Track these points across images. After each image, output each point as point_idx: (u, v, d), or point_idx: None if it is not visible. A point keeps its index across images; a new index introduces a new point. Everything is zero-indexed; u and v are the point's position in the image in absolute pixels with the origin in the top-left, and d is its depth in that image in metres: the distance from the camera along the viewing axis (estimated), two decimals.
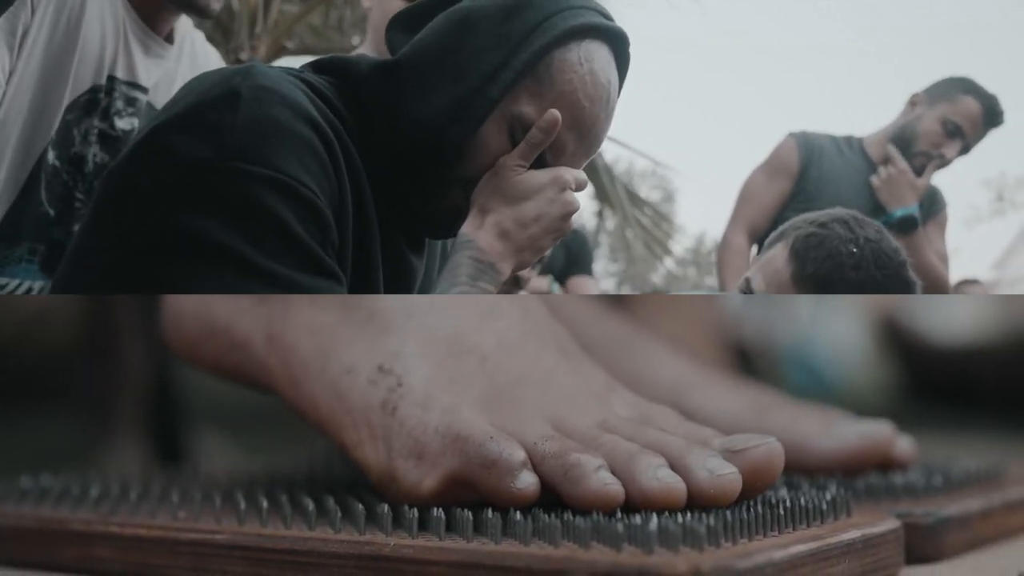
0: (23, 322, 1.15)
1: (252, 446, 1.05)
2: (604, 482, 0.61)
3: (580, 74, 0.76)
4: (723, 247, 1.91)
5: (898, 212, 1.72)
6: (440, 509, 0.62)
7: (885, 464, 0.77)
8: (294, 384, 0.71)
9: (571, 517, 0.59)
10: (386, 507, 0.64)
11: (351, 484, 0.77)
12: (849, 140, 1.86)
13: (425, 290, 0.86)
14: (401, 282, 0.83)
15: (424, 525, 0.63)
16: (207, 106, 0.70)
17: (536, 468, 0.63)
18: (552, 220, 0.78)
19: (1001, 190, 18.68)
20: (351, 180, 0.74)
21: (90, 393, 1.05)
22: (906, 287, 1.03)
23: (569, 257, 2.46)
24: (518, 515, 0.60)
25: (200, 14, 1.22)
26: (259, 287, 0.68)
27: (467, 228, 0.78)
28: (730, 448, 0.64)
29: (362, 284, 0.77)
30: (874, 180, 1.77)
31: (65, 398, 1.11)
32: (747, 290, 1.09)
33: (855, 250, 1.01)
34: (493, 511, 0.62)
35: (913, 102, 1.81)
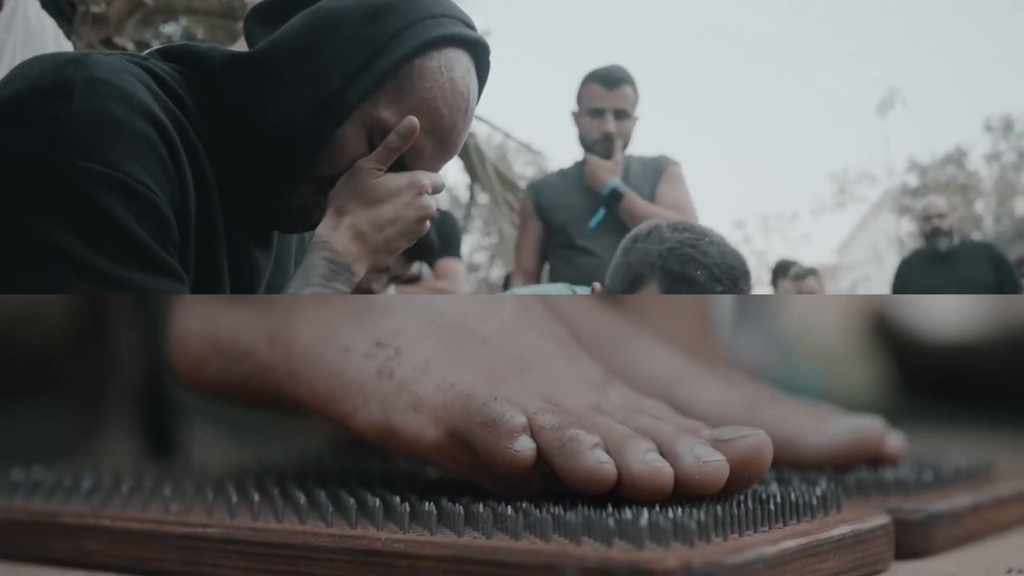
0: (12, 317, 1.15)
1: (244, 439, 1.05)
2: (599, 460, 0.62)
3: (440, 83, 0.76)
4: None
5: (604, 191, 2.05)
6: (431, 503, 0.63)
7: (876, 460, 0.77)
8: (294, 376, 0.72)
9: (562, 512, 0.60)
10: (377, 501, 0.64)
11: (342, 478, 0.77)
12: (573, 164, 2.23)
13: (275, 286, 0.85)
14: (246, 278, 0.82)
15: (415, 519, 0.63)
16: (37, 96, 0.67)
17: (534, 437, 0.64)
18: (408, 223, 0.78)
19: (844, 184, 20.33)
20: (194, 176, 0.73)
21: (82, 386, 1.05)
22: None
23: (439, 239, 2.49)
24: (509, 509, 0.60)
25: None
26: (95, 288, 0.66)
27: (323, 229, 0.77)
28: (718, 438, 0.64)
29: (206, 281, 0.76)
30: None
31: (56, 391, 1.11)
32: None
33: (702, 273, 1.05)
34: (484, 505, 0.62)
35: (574, 113, 2.20)
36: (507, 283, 3.96)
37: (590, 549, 0.56)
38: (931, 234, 3.57)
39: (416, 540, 0.60)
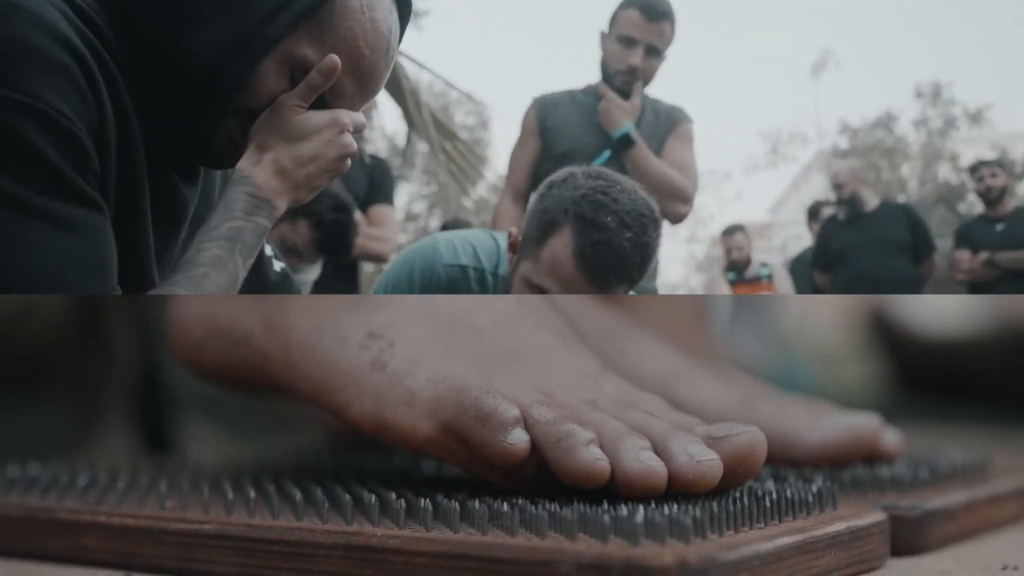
0: (7, 313, 1.14)
1: (240, 435, 1.05)
2: (594, 456, 0.62)
3: (361, 22, 0.76)
4: (495, 215, 2.07)
5: (615, 134, 1.93)
6: (427, 500, 0.63)
7: (872, 456, 0.77)
8: (290, 365, 0.73)
9: (558, 508, 0.60)
10: (374, 497, 0.64)
11: (338, 474, 0.77)
12: (586, 88, 2.07)
13: (200, 221, 0.83)
14: (171, 212, 0.82)
15: (411, 515, 0.63)
16: None
17: (528, 430, 0.64)
18: (329, 160, 0.78)
19: (776, 143, 20.73)
20: (114, 107, 0.72)
21: (78, 383, 1.05)
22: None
23: (372, 185, 2.47)
24: (505, 506, 0.60)
25: None
26: (14, 217, 0.65)
27: (244, 164, 0.77)
28: (712, 435, 0.64)
29: (128, 213, 0.76)
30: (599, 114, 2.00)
31: (53, 387, 1.11)
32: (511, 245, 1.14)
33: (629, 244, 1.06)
34: (480, 502, 0.62)
35: (602, 33, 2.03)
36: (445, 229, 3.92)
37: (586, 545, 0.56)
38: (843, 201, 3.69)
39: (412, 536, 0.60)
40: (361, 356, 0.70)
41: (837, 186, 3.74)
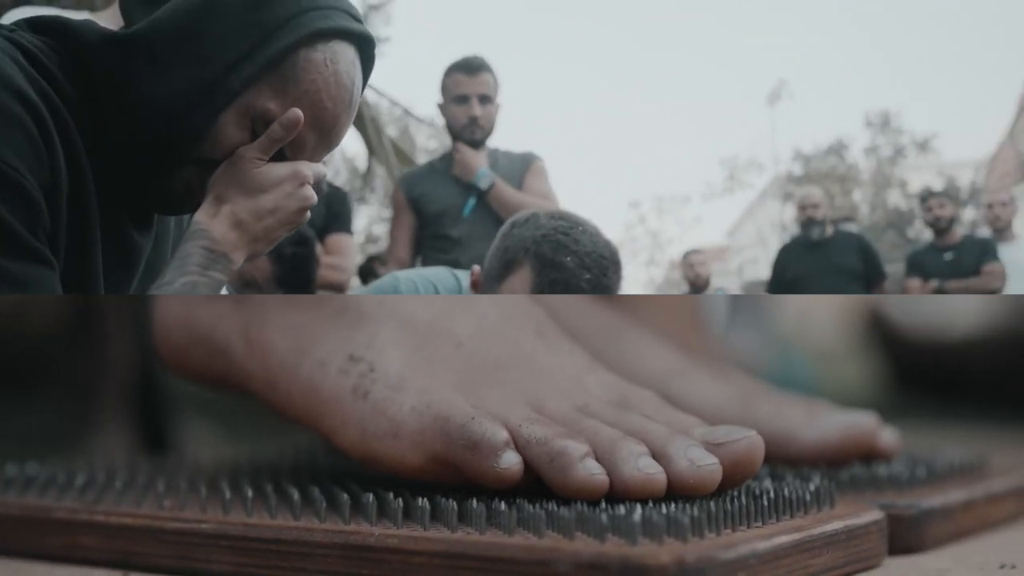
0: (2, 314, 1.14)
1: (238, 435, 1.05)
2: (590, 472, 0.61)
3: (325, 75, 0.75)
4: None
5: (475, 180, 2.16)
6: (425, 499, 0.63)
7: (869, 455, 0.77)
8: (272, 386, 0.72)
9: (555, 507, 0.60)
10: (371, 497, 0.64)
11: (337, 473, 0.77)
12: (441, 156, 2.35)
13: (154, 267, 0.83)
14: (124, 259, 0.81)
15: (409, 515, 0.63)
16: None
17: (520, 451, 0.63)
18: (289, 213, 0.77)
19: (733, 170, 22.09)
20: (67, 156, 0.71)
21: (76, 382, 1.05)
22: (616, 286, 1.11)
23: (330, 214, 2.48)
24: (503, 505, 0.60)
25: None
26: None
27: (201, 216, 0.76)
28: (711, 440, 0.64)
29: (79, 261, 0.75)
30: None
31: (50, 387, 1.11)
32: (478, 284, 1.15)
33: (579, 265, 1.07)
34: (478, 501, 0.62)
35: (439, 105, 2.29)
36: (370, 267, 3.93)
37: (583, 544, 0.56)
38: (806, 223, 3.85)
39: (409, 536, 0.60)
40: (342, 383, 0.69)
41: (803, 208, 3.87)
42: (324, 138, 0.78)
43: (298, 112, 0.74)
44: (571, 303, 0.87)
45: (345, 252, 2.52)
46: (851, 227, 4.43)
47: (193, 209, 0.78)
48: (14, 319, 1.15)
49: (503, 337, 0.71)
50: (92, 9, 2.64)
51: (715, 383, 0.82)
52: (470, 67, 2.22)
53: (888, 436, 0.79)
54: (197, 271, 0.74)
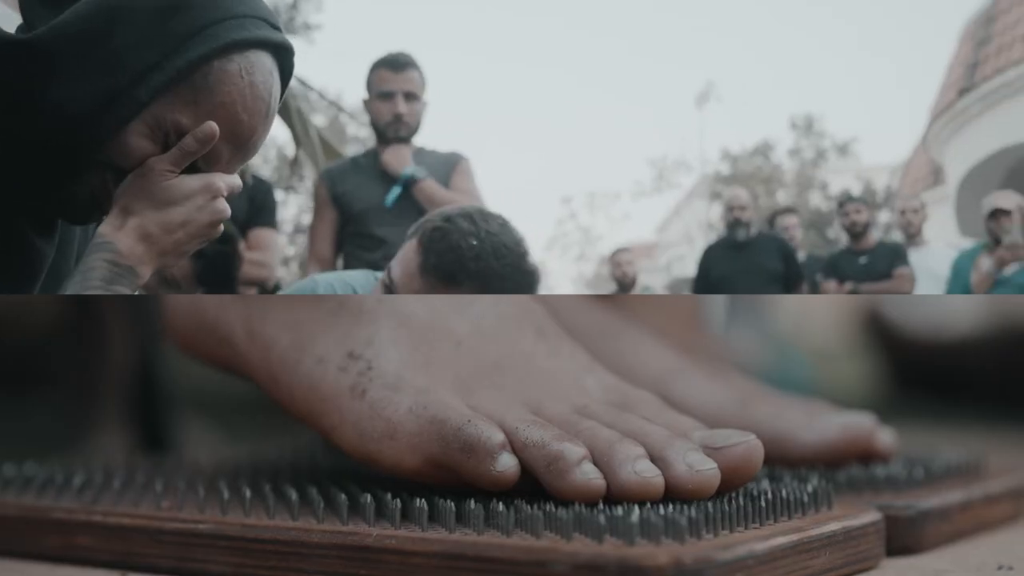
0: (2, 312, 1.14)
1: (236, 436, 1.05)
2: (588, 476, 0.61)
3: (240, 87, 0.72)
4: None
5: (402, 175, 2.13)
6: (423, 500, 0.63)
7: (867, 456, 0.77)
8: (273, 380, 0.72)
9: (553, 508, 0.60)
10: (369, 497, 0.64)
11: (335, 474, 0.77)
12: (365, 152, 2.32)
13: (57, 274, 0.80)
14: (25, 267, 0.77)
15: (407, 515, 0.63)
16: None
17: (517, 454, 0.63)
18: (200, 227, 0.74)
19: (662, 170, 23.00)
20: None
21: (74, 382, 1.05)
22: (526, 276, 1.10)
23: (253, 207, 2.40)
24: (501, 506, 0.60)
25: None
26: None
27: (106, 229, 0.73)
28: (710, 444, 0.64)
29: None
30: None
31: (48, 387, 1.11)
32: (388, 280, 1.13)
33: (475, 243, 1.07)
34: (476, 502, 0.62)
35: (365, 101, 2.27)
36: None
37: (581, 545, 0.56)
38: (733, 223, 3.90)
39: (407, 536, 0.60)
40: (341, 380, 0.69)
41: (731, 208, 3.91)
42: (239, 150, 0.75)
43: (213, 126, 0.71)
44: (571, 303, 0.87)
45: (269, 247, 2.44)
46: (792, 219, 4.49)
47: (99, 219, 0.75)
48: (10, 318, 1.15)
49: (502, 337, 0.71)
50: None
51: (713, 384, 0.82)
52: (396, 64, 2.19)
53: (886, 437, 0.79)
54: (100, 285, 0.71)
